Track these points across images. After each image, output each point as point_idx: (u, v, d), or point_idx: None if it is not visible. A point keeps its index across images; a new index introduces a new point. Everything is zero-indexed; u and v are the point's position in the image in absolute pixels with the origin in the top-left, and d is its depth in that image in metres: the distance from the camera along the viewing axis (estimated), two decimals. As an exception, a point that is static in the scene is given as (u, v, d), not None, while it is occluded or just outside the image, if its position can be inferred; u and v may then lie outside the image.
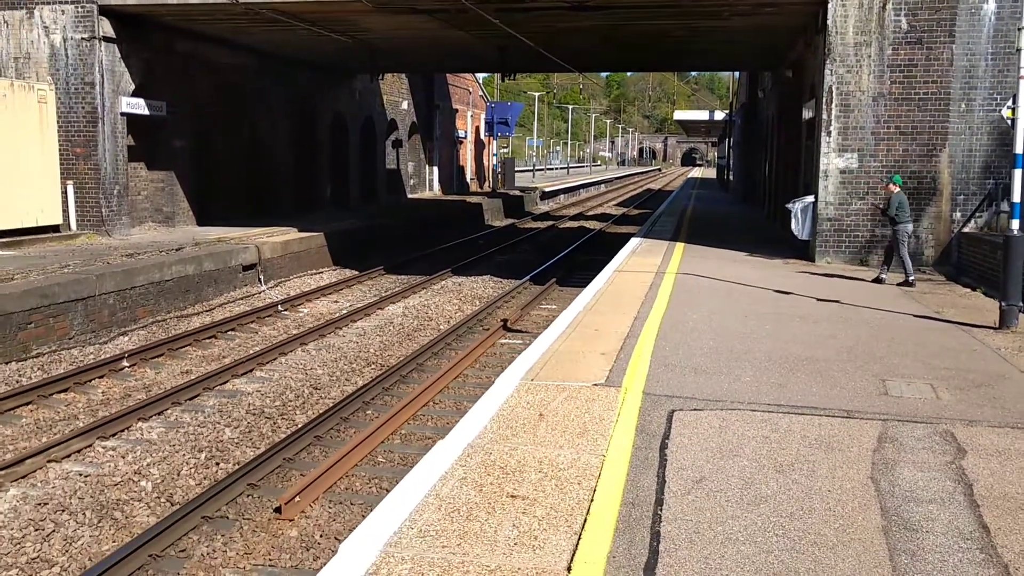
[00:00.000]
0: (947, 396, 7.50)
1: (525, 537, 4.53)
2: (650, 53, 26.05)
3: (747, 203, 37.21)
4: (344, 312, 16.86)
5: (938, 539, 4.67)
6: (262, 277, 19.24)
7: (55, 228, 18.63)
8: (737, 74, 49.22)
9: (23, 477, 8.38)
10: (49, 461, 8.72)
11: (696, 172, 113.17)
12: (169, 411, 10.57)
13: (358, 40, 22.67)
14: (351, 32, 21.61)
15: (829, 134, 16.11)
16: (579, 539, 4.52)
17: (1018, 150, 10.59)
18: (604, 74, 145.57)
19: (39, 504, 7.80)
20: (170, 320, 15.65)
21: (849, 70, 15.96)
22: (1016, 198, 10.59)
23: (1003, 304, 10.51)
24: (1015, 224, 10.56)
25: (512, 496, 5.04)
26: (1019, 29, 10.34)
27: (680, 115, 74.77)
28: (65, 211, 18.77)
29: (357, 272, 21.74)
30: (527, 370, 7.93)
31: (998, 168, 15.66)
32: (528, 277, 21.31)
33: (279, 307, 17.02)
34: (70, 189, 18.77)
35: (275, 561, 7.07)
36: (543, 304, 18.22)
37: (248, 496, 8.21)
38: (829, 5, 15.87)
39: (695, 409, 6.91)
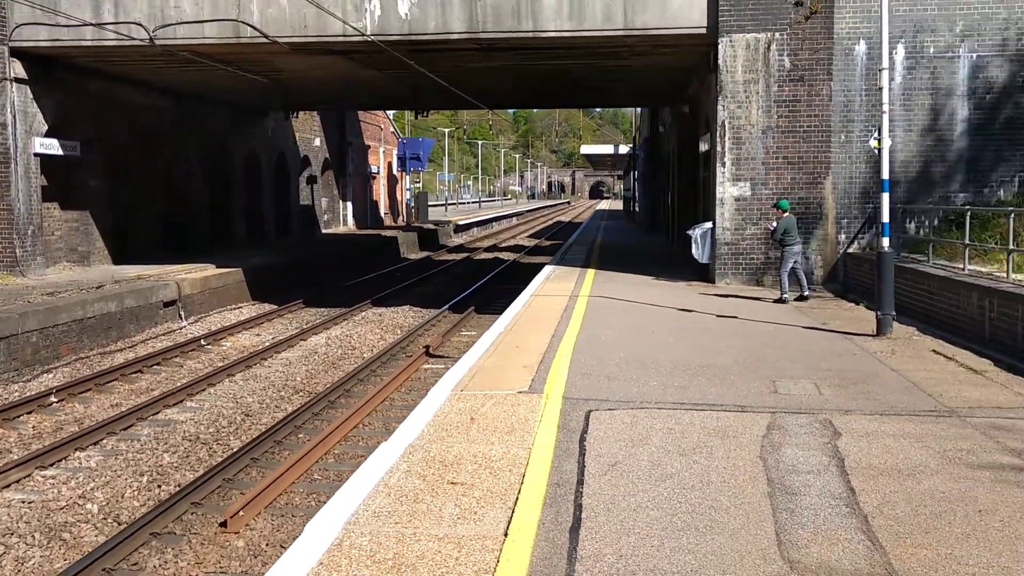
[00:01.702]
0: (828, 392, 8.51)
1: (467, 513, 5.23)
2: (557, 90, 27.25)
3: (652, 232, 38.77)
4: (268, 344, 17.22)
5: (813, 500, 5.56)
6: (183, 313, 19.42)
7: (-33, 270, 18.48)
8: (639, 109, 51.23)
9: (-33, 505, 8.62)
10: (-8, 490, 8.96)
11: (604, 204, 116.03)
12: (105, 440, 10.85)
13: (273, 79, 23.17)
14: (266, 72, 22.11)
15: (724, 165, 17.37)
16: (513, 512, 5.24)
17: (884, 176, 11.88)
18: (512, 110, 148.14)
19: (-11, 528, 8.08)
20: (94, 357, 15.76)
21: (740, 105, 17.28)
22: (885, 219, 11.87)
23: (879, 314, 11.72)
24: (885, 242, 11.81)
25: (452, 483, 5.73)
26: (880, 70, 11.67)
27: (587, 149, 76.95)
28: (-22, 252, 18.64)
29: (277, 306, 22.06)
30: (456, 383, 8.64)
31: (876, 193, 17.11)
32: (447, 306, 21.99)
33: (202, 341, 17.27)
34: (-18, 230, 18.65)
35: (225, 568, 7.54)
36: (463, 331, 18.92)
37: (193, 514, 8.63)
38: (720, 46, 17.19)
39: (609, 409, 7.72)
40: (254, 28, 17.55)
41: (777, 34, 17.02)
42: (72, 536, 8.08)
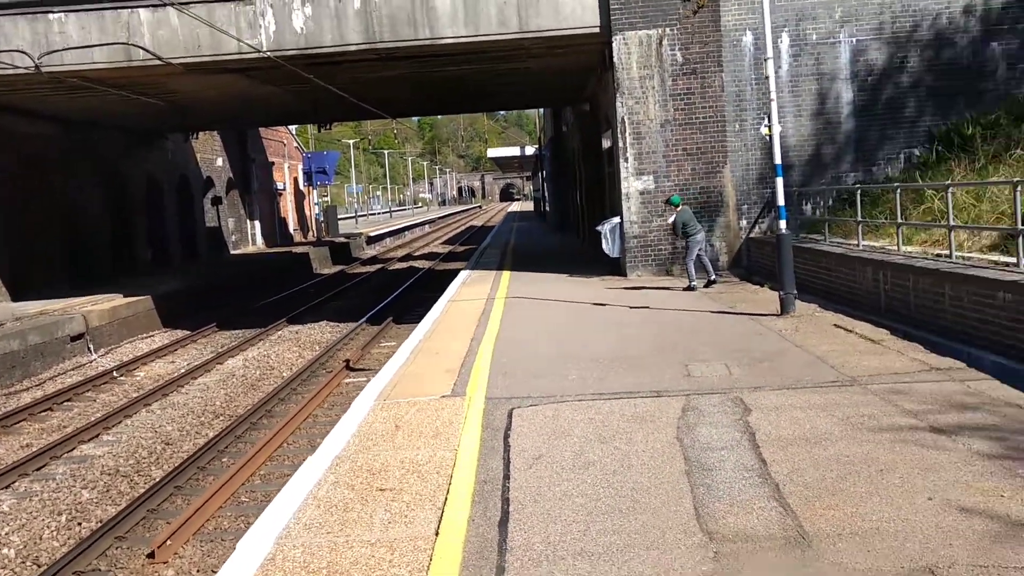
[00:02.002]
0: (738, 371, 8.86)
1: (397, 517, 5.32)
2: (458, 96, 27.39)
3: (563, 230, 39.27)
4: (183, 370, 16.88)
5: (728, 474, 5.83)
6: (91, 346, 18.86)
7: None
8: (542, 110, 51.79)
9: None
10: (-100, 543, 8.62)
11: (515, 206, 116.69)
12: (17, 483, 10.52)
13: (169, 101, 22.68)
14: (162, 94, 21.63)
15: (627, 160, 17.79)
16: (443, 512, 5.35)
17: (776, 161, 12.42)
18: (415, 118, 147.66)
19: (-99, 583, 7.78)
20: (-1, 398, 15.21)
21: (637, 101, 17.72)
22: (780, 201, 12.39)
23: (781, 294, 12.21)
24: (782, 224, 12.32)
25: (381, 490, 5.81)
26: (765, 59, 12.19)
27: (493, 152, 77.28)
28: None
29: (190, 331, 21.60)
30: (379, 392, 8.70)
31: (772, 179, 17.71)
32: (364, 319, 21.88)
33: (115, 373, 16.82)
34: None
35: (156, 599, 7.44)
36: (383, 342, 18.88)
37: (117, 548, 8.48)
38: (614, 44, 17.60)
39: (531, 405, 7.90)
40: (146, 50, 17.17)
41: (668, 29, 17.51)
42: (-9, 583, 7.85)
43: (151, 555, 8.19)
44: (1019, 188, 9.81)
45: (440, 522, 5.19)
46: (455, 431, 7.17)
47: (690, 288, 15.46)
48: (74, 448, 11.89)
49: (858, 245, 13.71)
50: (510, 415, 7.59)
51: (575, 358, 9.99)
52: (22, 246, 23.06)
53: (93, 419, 13.29)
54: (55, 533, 8.93)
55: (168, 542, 8.29)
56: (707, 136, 17.77)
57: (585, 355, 10.14)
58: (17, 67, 17.25)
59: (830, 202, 17.95)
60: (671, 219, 16.08)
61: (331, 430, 7.77)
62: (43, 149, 24.06)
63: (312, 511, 5.48)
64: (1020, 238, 9.56)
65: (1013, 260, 9.68)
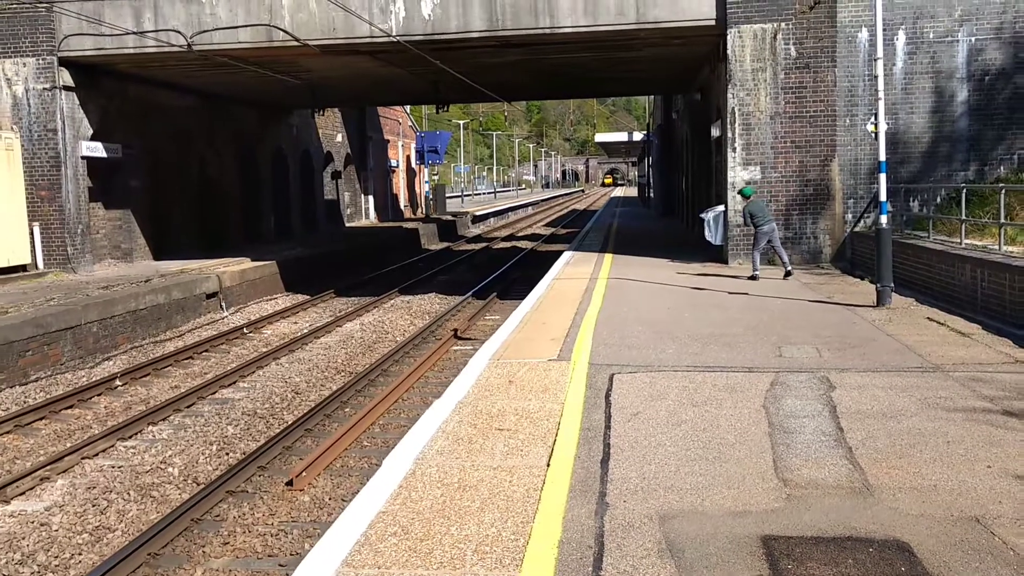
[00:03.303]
0: (827, 354, 9.46)
1: (513, 451, 6.25)
2: (571, 82, 28.16)
3: (667, 217, 39.62)
4: (306, 331, 18.30)
5: (807, 437, 6.54)
6: (223, 304, 20.54)
7: (23, 268, 19.66)
8: (652, 97, 51.93)
9: (66, 471, 9.74)
10: (83, 458, 10.08)
11: (618, 191, 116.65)
12: (172, 416, 11.96)
13: (300, 79, 24.22)
14: (294, 72, 23.17)
15: (734, 150, 18.26)
16: (552, 450, 6.25)
17: (881, 158, 12.78)
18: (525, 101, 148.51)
19: (88, 488, 9.19)
20: (147, 345, 16.90)
21: (748, 93, 18.16)
22: (882, 197, 12.77)
23: (878, 286, 12.63)
24: (883, 219, 12.71)
25: (499, 429, 6.75)
26: (875, 59, 12.56)
27: (601, 137, 77.66)
28: (32, 251, 19.83)
29: (309, 296, 23.15)
30: (492, 353, 9.67)
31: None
32: (470, 293, 23.00)
33: (244, 330, 18.37)
34: (36, 230, 19.84)
35: (296, 518, 8.60)
36: (487, 316, 19.93)
37: (260, 476, 9.70)
38: (728, 36, 18.06)
39: (630, 372, 8.72)
40: (285, 32, 18.58)
41: (783, 24, 17.87)
42: (160, 494, 9.17)
43: (289, 483, 9.37)
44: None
45: (551, 457, 6.09)
46: (562, 388, 8.06)
47: (753, 277, 16.03)
48: (216, 391, 13.31)
49: (960, 243, 13.93)
50: (611, 379, 8.43)
51: (672, 335, 10.73)
52: (165, 209, 25.08)
53: (230, 368, 14.74)
54: (208, 459, 10.25)
55: (303, 473, 9.46)
56: (816, 130, 18.08)
57: (682, 333, 10.87)
58: (172, 45, 18.91)
59: (937, 200, 18.03)
60: (740, 208, 16.64)
61: (443, 391, 8.74)
62: (190, 122, 26.05)
63: (442, 441, 6.46)
64: (1119, 242, 9.80)
65: (1111, 264, 9.92)
